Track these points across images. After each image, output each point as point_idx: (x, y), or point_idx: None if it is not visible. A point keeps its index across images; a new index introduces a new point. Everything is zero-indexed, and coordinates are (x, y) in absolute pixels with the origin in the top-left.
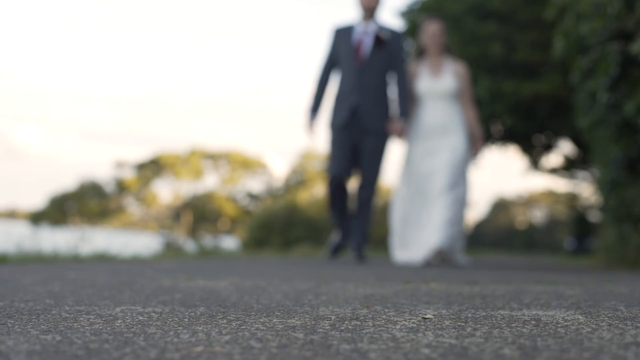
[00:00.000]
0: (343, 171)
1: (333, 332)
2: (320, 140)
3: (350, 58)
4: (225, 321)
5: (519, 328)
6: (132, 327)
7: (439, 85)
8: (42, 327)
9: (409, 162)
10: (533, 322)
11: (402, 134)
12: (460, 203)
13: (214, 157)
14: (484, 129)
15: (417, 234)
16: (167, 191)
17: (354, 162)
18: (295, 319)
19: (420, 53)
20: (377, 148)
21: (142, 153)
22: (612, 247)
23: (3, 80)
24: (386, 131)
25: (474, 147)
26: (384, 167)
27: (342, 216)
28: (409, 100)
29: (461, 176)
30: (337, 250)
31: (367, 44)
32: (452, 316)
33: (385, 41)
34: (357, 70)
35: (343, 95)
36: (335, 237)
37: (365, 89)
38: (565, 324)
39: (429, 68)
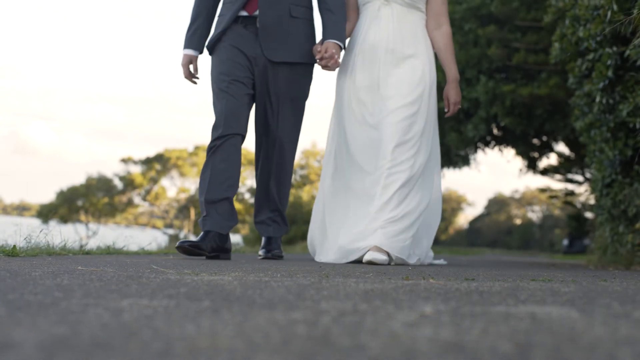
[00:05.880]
0: (235, 124)
1: (334, 327)
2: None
3: None
4: (229, 315)
5: (515, 324)
6: (139, 321)
7: None
8: (51, 319)
9: (342, 107)
10: (529, 319)
11: (333, 64)
12: (414, 181)
13: None
14: (483, 130)
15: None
16: (173, 188)
17: (246, 115)
18: (298, 313)
19: None
20: (292, 89)
21: (148, 151)
22: (607, 246)
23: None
24: (307, 62)
25: (446, 101)
26: (302, 122)
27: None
28: (348, 18)
29: (421, 134)
30: (192, 250)
31: None
32: (450, 312)
33: None
34: None
35: (231, 9)
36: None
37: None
38: (560, 320)
39: None
